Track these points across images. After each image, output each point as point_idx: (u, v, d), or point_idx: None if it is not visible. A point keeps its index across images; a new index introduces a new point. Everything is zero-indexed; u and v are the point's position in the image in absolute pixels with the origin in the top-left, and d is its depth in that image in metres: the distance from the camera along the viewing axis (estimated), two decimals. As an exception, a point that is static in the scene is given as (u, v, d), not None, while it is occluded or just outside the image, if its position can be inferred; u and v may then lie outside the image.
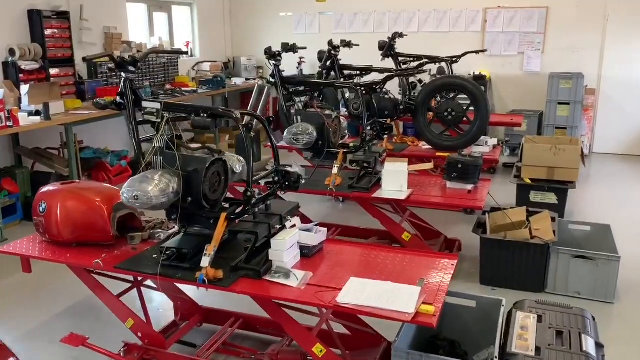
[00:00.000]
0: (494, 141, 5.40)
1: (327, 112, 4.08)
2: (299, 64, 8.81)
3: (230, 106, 8.17)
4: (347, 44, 5.91)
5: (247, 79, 8.88)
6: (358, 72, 5.95)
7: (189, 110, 2.69)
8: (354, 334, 2.99)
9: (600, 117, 8.06)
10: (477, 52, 6.98)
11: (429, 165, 4.35)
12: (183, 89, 7.37)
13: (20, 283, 4.08)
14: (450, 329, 2.81)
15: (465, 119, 5.39)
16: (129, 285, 3.07)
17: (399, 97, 5.81)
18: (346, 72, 5.71)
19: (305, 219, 4.81)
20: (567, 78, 7.62)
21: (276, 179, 2.80)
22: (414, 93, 5.71)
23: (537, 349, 2.30)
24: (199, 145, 2.75)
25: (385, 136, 5.11)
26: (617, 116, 7.96)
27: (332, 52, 5.48)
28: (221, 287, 2.45)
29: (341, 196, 3.99)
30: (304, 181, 4.19)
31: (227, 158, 2.81)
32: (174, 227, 2.98)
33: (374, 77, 5.67)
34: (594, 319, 2.59)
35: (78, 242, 2.89)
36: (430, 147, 5.36)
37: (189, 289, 3.30)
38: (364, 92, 4.25)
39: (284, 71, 4.40)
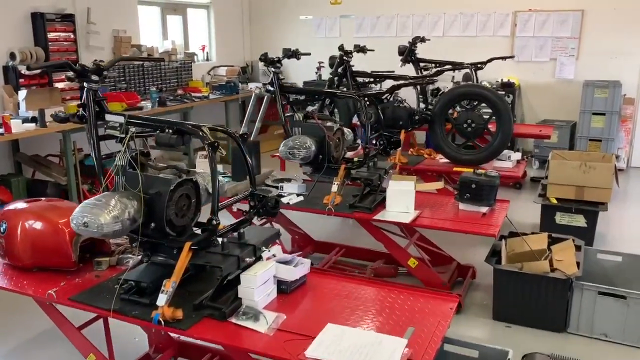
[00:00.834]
0: (518, 155, 4.97)
1: (329, 123, 3.74)
2: (318, 69, 8.50)
3: (230, 115, 7.86)
4: (361, 49, 5.57)
5: (264, 84, 8.58)
6: (372, 79, 5.62)
7: (154, 125, 2.40)
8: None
9: (640, 129, 7.47)
10: (503, 58, 6.52)
11: (438, 185, 3.95)
12: (194, 94, 7.14)
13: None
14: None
15: (486, 130, 5.00)
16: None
17: (421, 105, 5.46)
18: (360, 79, 5.38)
19: (305, 239, 4.46)
20: (603, 86, 7.07)
21: (252, 203, 2.48)
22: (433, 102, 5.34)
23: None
24: (166, 165, 2.45)
25: (397, 150, 4.74)
26: (658, 128, 7.36)
27: (344, 57, 5.15)
28: (179, 330, 2.14)
29: (340, 216, 3.62)
30: (301, 198, 3.90)
31: (201, 177, 2.51)
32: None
33: (389, 84, 5.33)
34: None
35: (38, 267, 2.63)
36: (447, 160, 4.97)
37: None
38: (367, 102, 3.88)
39: (282, 79, 4.07)
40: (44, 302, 2.59)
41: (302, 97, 4.06)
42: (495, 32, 7.91)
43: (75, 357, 2.72)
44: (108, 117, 2.47)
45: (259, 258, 2.43)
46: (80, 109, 2.52)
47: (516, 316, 3.37)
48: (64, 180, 5.22)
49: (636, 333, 3.15)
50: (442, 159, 5.05)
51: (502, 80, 7.63)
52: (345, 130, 3.91)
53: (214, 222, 2.24)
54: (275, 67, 3.99)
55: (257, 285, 2.26)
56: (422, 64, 6.14)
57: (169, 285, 2.17)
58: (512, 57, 6.94)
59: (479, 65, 6.13)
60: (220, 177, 2.64)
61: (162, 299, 2.15)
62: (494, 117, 4.77)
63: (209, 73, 8.23)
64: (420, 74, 5.84)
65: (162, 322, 2.12)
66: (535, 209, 4.80)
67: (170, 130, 2.32)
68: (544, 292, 3.24)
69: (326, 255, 4.34)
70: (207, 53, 8.48)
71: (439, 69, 5.60)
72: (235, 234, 2.44)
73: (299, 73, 9.01)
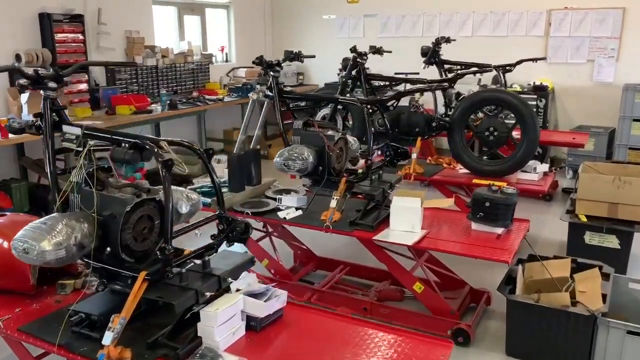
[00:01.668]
0: (544, 167, 4.54)
1: (330, 132, 3.43)
2: (340, 70, 8.17)
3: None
4: (377, 51, 5.25)
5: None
6: (387, 83, 5.28)
7: (111, 138, 2.15)
8: None
9: (686, 138, 6.86)
10: (534, 60, 6.08)
11: (449, 202, 3.59)
12: (208, 96, 6.93)
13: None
14: None
15: (510, 139, 4.60)
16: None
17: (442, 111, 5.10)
18: (374, 82, 5.05)
19: (308, 255, 4.13)
20: (645, 91, 6.53)
21: (220, 227, 2.20)
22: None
23: None
24: (127, 182, 2.19)
25: (413, 157, 4.40)
26: None
27: (358, 59, 4.83)
28: (124, 375, 1.88)
29: (339, 234, 3.31)
30: (300, 213, 3.59)
31: (179, 193, 2.26)
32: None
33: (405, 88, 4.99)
34: None
35: (-4, 290, 2.43)
36: (467, 171, 4.59)
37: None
38: (369, 109, 3.55)
39: (282, 83, 3.79)
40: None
41: (303, 104, 3.77)
42: (528, 31, 7.41)
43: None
44: (65, 128, 2.25)
45: (226, 290, 2.16)
46: (38, 119, 2.30)
47: (532, 353, 2.98)
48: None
49: (672, 379, 2.74)
50: (462, 169, 4.67)
51: (534, 83, 7.14)
52: (350, 139, 3.59)
53: (166, 251, 1.97)
54: (274, 71, 3.70)
55: (219, 323, 1.98)
56: (446, 66, 5.77)
57: (116, 322, 1.91)
58: (543, 58, 6.48)
59: (507, 68, 5.72)
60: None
61: (107, 338, 1.90)
62: (518, 125, 4.38)
63: (228, 75, 8.02)
64: (444, 77, 5.46)
65: (107, 364, 1.87)
66: (564, 226, 4.36)
67: (127, 145, 2.07)
68: (563, 329, 2.85)
69: (329, 272, 4.04)
70: (226, 54, 8.27)
71: (460, 71, 5.22)
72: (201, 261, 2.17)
73: (320, 74, 8.73)
